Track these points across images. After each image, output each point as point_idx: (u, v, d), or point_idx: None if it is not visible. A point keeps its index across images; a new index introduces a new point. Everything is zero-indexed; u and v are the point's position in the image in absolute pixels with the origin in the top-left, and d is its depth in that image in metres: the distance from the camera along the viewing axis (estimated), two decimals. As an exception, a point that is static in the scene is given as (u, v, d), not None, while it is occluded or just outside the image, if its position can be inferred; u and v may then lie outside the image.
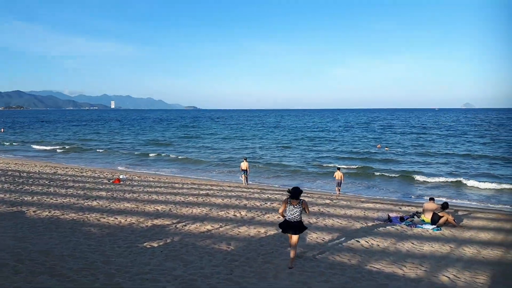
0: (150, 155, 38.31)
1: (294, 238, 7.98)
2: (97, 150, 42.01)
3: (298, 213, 7.90)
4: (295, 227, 7.91)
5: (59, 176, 21.42)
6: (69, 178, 20.74)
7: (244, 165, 21.81)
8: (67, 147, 45.43)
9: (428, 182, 23.71)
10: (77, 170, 25.69)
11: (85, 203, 13.93)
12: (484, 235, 11.67)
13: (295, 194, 7.92)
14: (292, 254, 8.02)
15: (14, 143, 49.90)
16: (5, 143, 49.59)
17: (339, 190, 20.05)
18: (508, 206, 18.04)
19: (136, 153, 39.55)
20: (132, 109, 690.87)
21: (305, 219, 12.56)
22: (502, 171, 26.97)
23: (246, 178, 22.06)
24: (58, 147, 45.59)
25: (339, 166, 23.35)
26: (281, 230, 8.17)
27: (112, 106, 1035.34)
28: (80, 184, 18.69)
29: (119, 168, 29.94)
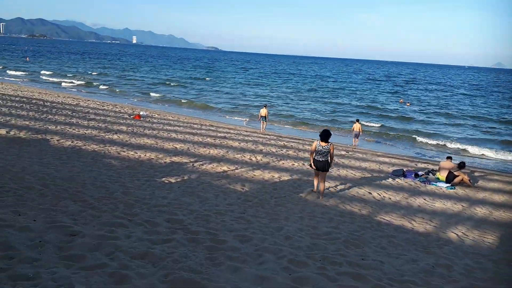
0: (152, 94, 38.21)
1: (321, 175, 9.22)
2: (100, 87, 41.61)
3: (326, 153, 8.99)
4: (322, 165, 9.07)
5: (81, 108, 21.85)
6: (90, 111, 21.15)
7: (263, 111, 21.78)
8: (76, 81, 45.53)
9: (444, 145, 23.14)
10: (98, 103, 26.10)
11: (106, 136, 14.30)
12: (498, 197, 11.65)
13: (324, 136, 8.98)
14: (321, 187, 9.29)
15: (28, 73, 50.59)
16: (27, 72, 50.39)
17: (356, 141, 20.18)
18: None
19: (137, 94, 38.72)
20: (154, 46, 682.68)
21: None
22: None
23: (265, 123, 22.17)
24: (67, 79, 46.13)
25: (357, 118, 23.10)
26: (312, 167, 9.33)
27: (134, 41, 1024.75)
28: (102, 117, 19.09)
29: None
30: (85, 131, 14.75)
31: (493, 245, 7.46)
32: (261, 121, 22.10)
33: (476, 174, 14.89)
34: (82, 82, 44.27)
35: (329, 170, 9.52)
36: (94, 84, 43.69)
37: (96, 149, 11.98)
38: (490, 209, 10.19)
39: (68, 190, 7.33)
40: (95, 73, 55.75)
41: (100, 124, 16.88)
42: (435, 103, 43.21)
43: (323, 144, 8.99)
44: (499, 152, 21.15)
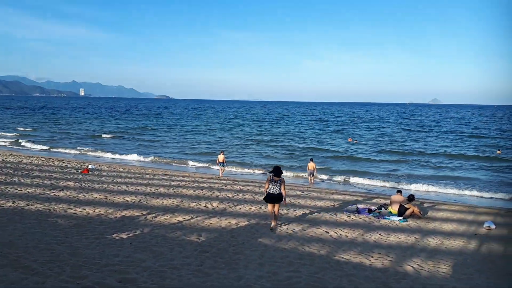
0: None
1: (276, 207, 10.29)
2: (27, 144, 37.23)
3: (278, 188, 10.07)
4: (276, 198, 10.10)
5: (24, 166, 20.68)
6: (35, 168, 20.07)
7: (221, 157, 22.30)
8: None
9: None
10: (43, 159, 24.88)
11: (52, 194, 13.53)
12: (447, 226, 12.15)
13: (277, 172, 10.03)
14: (273, 222, 10.38)
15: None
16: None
17: (311, 180, 21.01)
18: (473, 197, 18.84)
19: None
20: (103, 97, 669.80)
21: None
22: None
23: (223, 170, 22.60)
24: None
25: (312, 158, 23.65)
26: (266, 201, 10.34)
27: (82, 94, 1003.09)
28: (47, 174, 18.13)
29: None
30: (28, 190, 13.89)
31: (447, 275, 7.67)
32: (220, 167, 22.48)
33: (425, 205, 15.53)
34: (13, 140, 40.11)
35: (284, 201, 10.27)
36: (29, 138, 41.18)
37: (40, 209, 11.25)
38: (441, 239, 10.57)
39: (8, 256, 6.76)
40: (29, 129, 52.22)
41: (45, 181, 15.99)
42: (382, 139, 45.39)
43: (276, 178, 9.99)
44: (443, 187, 21.53)
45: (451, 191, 20.59)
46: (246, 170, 26.38)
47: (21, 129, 51.28)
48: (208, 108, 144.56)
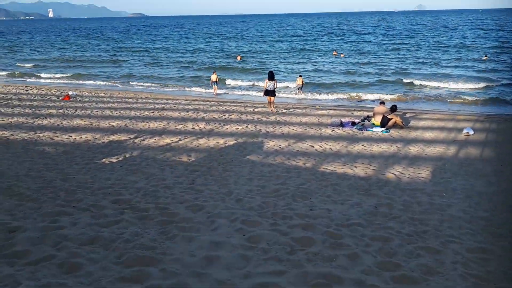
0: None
1: (272, 98, 16.12)
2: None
3: (272, 86, 15.83)
4: (271, 92, 15.95)
5: (2, 95, 20.08)
6: (13, 97, 19.53)
7: (214, 77, 23.83)
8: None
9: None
10: (21, 88, 24.12)
11: (35, 122, 13.37)
12: (428, 135, 12.57)
13: (271, 75, 15.92)
14: (271, 108, 16.24)
15: None
16: None
17: (300, 93, 23.05)
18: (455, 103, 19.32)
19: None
20: (74, 18, 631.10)
21: (263, 128, 12.89)
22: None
23: (217, 88, 24.38)
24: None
25: (300, 74, 24.92)
26: (264, 95, 16.29)
27: (51, 15, 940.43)
28: (27, 103, 17.73)
29: None
30: (10, 120, 13.66)
31: (427, 179, 8.12)
32: (213, 86, 24.23)
33: (407, 115, 15.88)
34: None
35: (276, 95, 16.35)
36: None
37: (26, 138, 11.18)
38: (422, 147, 11.00)
39: (0, 185, 6.85)
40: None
41: (26, 110, 15.70)
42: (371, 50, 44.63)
43: (270, 82, 15.72)
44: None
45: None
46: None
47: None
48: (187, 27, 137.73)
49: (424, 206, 6.46)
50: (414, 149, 10.69)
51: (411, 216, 5.93)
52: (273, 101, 16.16)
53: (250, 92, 24.72)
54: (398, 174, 8.45)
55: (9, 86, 25.17)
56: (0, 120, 13.61)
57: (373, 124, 13.51)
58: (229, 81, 28.32)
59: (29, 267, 3.84)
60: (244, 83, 27.86)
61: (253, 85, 27.11)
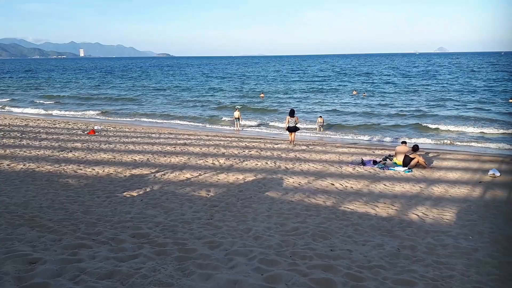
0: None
1: (293, 134, 17.32)
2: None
3: (293, 122, 16.97)
4: (293, 129, 17.14)
5: (31, 129, 20.86)
6: (41, 130, 20.24)
7: (236, 114, 25.03)
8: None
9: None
10: (49, 122, 25.02)
11: (61, 155, 13.74)
12: (452, 175, 12.27)
13: (292, 112, 17.04)
14: (292, 144, 17.21)
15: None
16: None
17: (322, 130, 23.76)
18: (478, 145, 18.89)
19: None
20: (103, 57, 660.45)
21: (283, 165, 12.86)
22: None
23: (239, 125, 25.19)
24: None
25: (320, 115, 25.26)
26: (286, 130, 17.58)
27: (82, 54, 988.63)
28: (54, 136, 18.31)
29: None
30: (37, 152, 14.09)
31: (451, 221, 7.84)
32: (236, 122, 25.18)
33: (430, 155, 15.61)
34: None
35: (298, 129, 17.61)
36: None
37: (51, 170, 11.47)
38: (446, 187, 10.71)
39: (23, 216, 6.97)
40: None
41: (53, 144, 16.19)
42: (391, 91, 44.64)
43: (291, 118, 16.87)
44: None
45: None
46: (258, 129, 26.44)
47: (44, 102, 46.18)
48: (211, 66, 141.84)
49: (449, 249, 6.21)
50: (437, 190, 10.42)
51: (435, 260, 5.70)
52: (294, 137, 17.31)
53: (270, 130, 24.96)
54: (421, 215, 8.20)
55: (38, 120, 26.15)
56: (28, 152, 14.06)
57: (395, 163, 13.32)
58: (250, 119, 28.70)
59: (46, 300, 3.83)
60: (264, 121, 28.17)
61: (270, 123, 27.45)
